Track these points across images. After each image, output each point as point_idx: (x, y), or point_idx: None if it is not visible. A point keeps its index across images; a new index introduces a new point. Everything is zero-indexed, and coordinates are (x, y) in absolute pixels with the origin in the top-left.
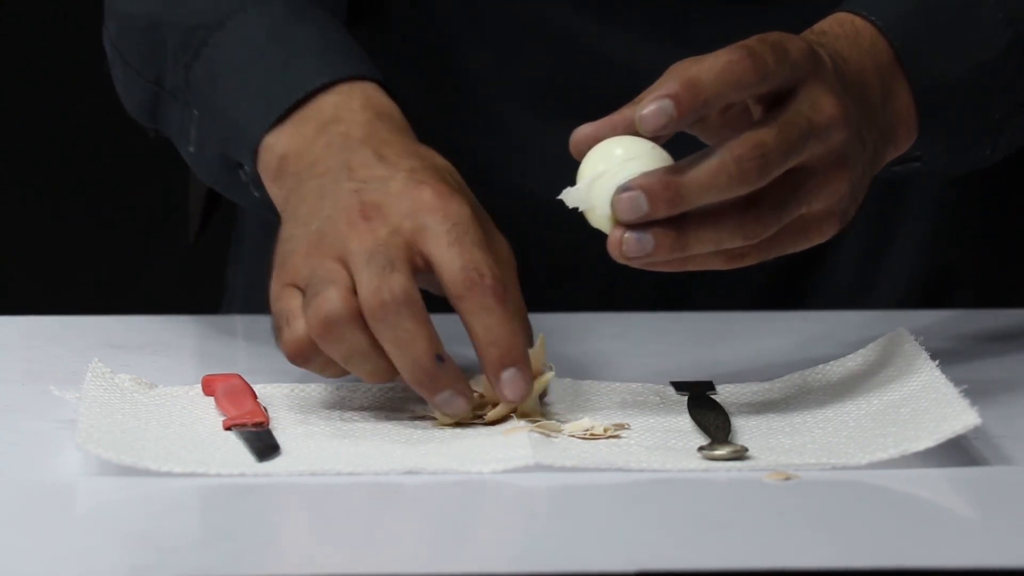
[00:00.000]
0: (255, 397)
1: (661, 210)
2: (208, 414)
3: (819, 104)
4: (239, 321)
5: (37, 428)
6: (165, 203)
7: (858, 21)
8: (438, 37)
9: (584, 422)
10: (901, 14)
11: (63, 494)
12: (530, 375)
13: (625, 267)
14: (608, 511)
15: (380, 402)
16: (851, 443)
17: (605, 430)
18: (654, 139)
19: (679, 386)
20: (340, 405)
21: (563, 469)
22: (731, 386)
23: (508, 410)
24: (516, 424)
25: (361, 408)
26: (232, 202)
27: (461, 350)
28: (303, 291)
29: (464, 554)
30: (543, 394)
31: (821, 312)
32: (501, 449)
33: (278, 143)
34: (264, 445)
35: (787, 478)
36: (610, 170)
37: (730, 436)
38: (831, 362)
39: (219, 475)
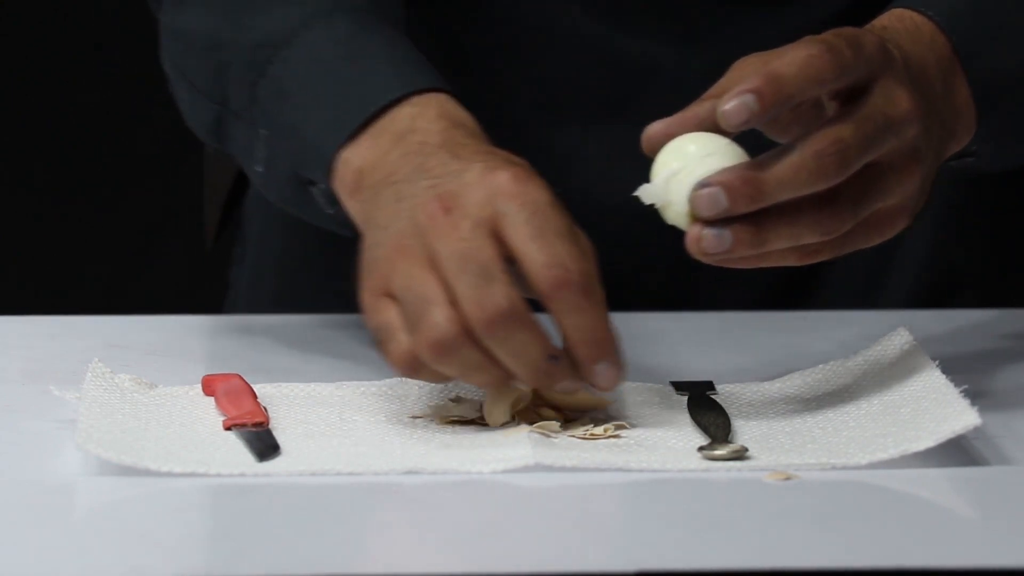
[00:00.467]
0: (255, 397)
1: (741, 206)
2: (208, 414)
3: (894, 99)
4: (239, 321)
5: (37, 428)
6: (166, 203)
7: (917, 17)
8: (453, 41)
9: (584, 422)
10: (957, 11)
11: (63, 494)
12: (621, 364)
13: (627, 268)
14: (608, 511)
15: (380, 402)
16: (851, 443)
17: (605, 430)
18: (726, 135)
19: (679, 386)
20: (340, 405)
21: (563, 469)
22: (731, 386)
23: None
24: (516, 424)
25: (361, 408)
26: (237, 204)
27: None
28: (396, 299)
29: (464, 554)
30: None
31: (821, 312)
32: (501, 449)
33: (354, 157)
34: (264, 445)
35: (787, 478)
36: (687, 167)
37: (730, 436)
38: (831, 362)
39: (219, 475)
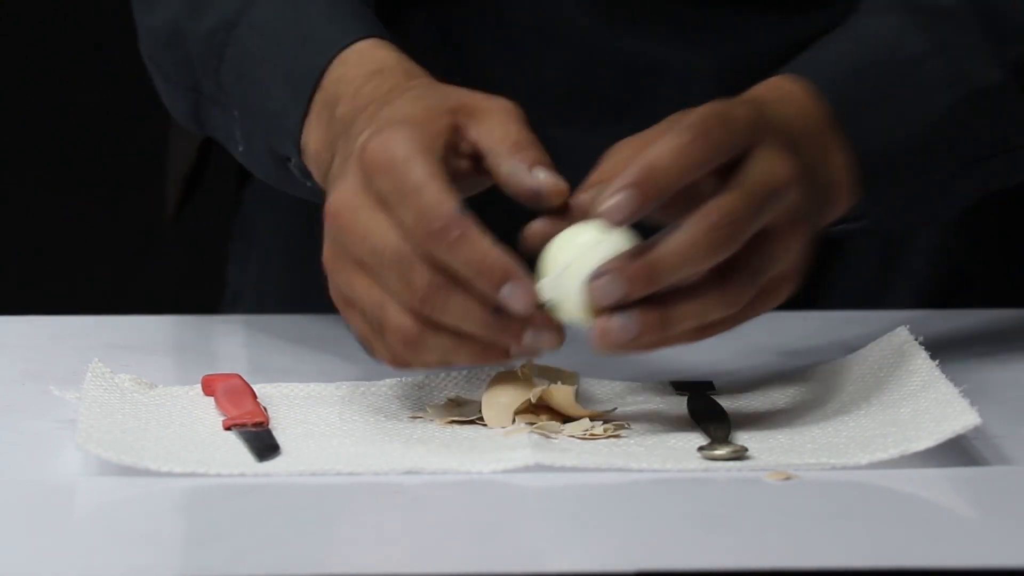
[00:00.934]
0: (255, 397)
1: (638, 290)
2: (208, 414)
3: (774, 165)
4: (240, 321)
5: (37, 428)
6: (165, 203)
7: (792, 84)
8: (456, 42)
9: (584, 422)
10: (837, 76)
11: (63, 494)
12: (524, 281)
13: None
14: (608, 511)
15: (380, 402)
16: (851, 443)
17: (605, 430)
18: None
19: (679, 386)
20: (340, 405)
21: (563, 469)
22: (731, 386)
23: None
24: (516, 425)
25: (361, 408)
26: (226, 196)
27: None
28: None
29: (464, 554)
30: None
31: (821, 312)
32: (501, 449)
33: (309, 139)
34: (264, 445)
35: (787, 478)
36: (578, 258)
37: (730, 436)
38: (831, 362)
39: (219, 475)
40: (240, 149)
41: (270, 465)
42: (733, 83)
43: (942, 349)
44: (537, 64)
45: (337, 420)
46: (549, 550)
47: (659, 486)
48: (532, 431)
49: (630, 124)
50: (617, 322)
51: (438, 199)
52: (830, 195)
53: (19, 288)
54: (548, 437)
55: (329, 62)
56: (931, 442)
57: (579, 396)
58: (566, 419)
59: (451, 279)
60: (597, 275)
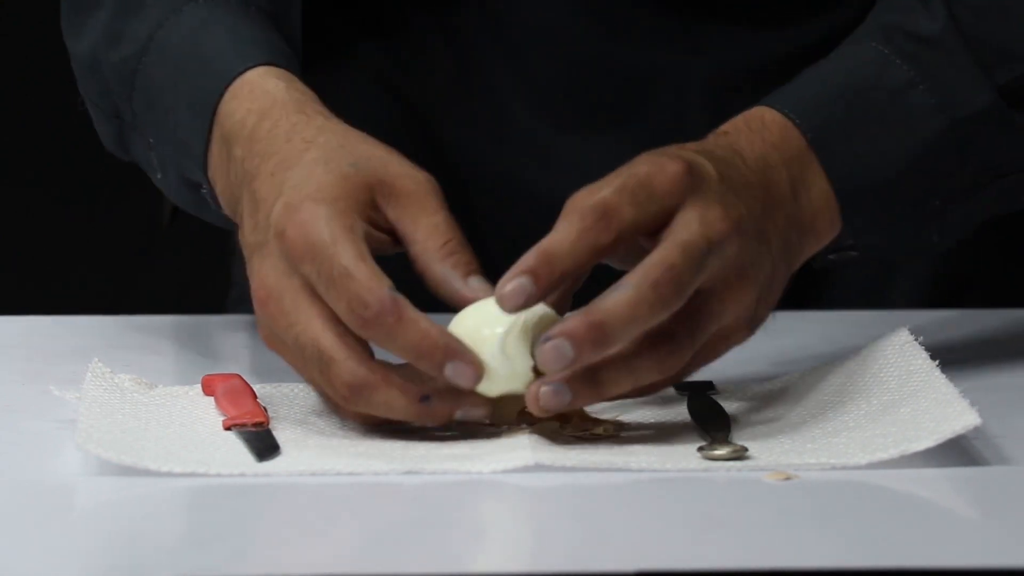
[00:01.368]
0: (255, 397)
1: (587, 354)
2: (208, 414)
3: (706, 220)
4: (240, 321)
5: (37, 428)
6: (165, 203)
7: (768, 115)
8: (457, 47)
9: (584, 422)
10: (818, 104)
11: (63, 494)
12: (468, 357)
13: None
14: (608, 511)
15: None
16: (851, 443)
17: (605, 430)
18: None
19: (679, 386)
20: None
21: (563, 469)
22: (731, 386)
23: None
24: (518, 426)
25: None
26: None
27: None
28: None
29: (464, 554)
30: None
31: (821, 312)
32: (501, 449)
33: (213, 177)
34: (264, 445)
35: (787, 478)
36: (515, 325)
37: (730, 436)
38: (831, 362)
39: (219, 475)
40: (158, 176)
41: (270, 465)
42: (727, 92)
43: (942, 349)
44: (535, 70)
45: (337, 420)
46: (549, 550)
47: (659, 486)
48: (532, 431)
49: (627, 131)
50: (550, 389)
51: (368, 286)
52: (812, 224)
53: (19, 288)
54: (548, 437)
55: (221, 94)
56: (931, 442)
57: None
58: (565, 420)
59: (376, 375)
60: (545, 340)
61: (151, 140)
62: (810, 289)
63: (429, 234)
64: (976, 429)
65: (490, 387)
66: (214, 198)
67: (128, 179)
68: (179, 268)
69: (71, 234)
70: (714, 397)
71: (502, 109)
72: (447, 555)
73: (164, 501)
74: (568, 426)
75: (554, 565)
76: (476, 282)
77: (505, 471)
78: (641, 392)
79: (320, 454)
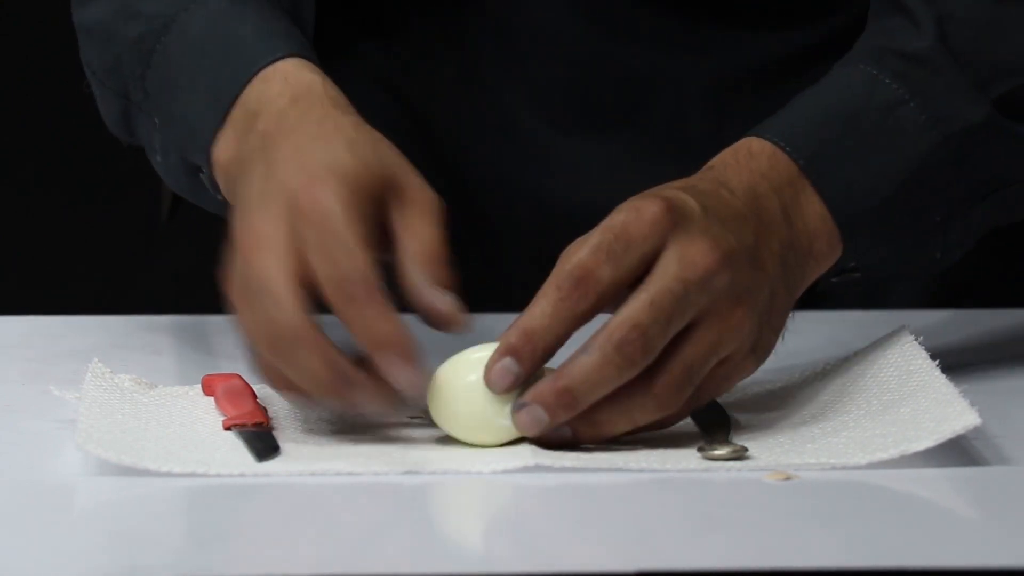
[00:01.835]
0: (255, 397)
1: (561, 417)
2: (208, 414)
3: (688, 259)
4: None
5: (37, 428)
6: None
7: (755, 145)
8: (459, 47)
9: None
10: (806, 130)
11: (63, 494)
12: (413, 360)
13: None
14: (608, 511)
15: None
16: (851, 443)
17: None
18: None
19: None
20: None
21: (563, 469)
22: None
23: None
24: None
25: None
26: None
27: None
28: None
29: (464, 554)
30: None
31: (821, 312)
32: (501, 450)
33: (219, 152)
34: (264, 445)
35: (787, 478)
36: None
37: (730, 436)
38: (831, 362)
39: (219, 475)
40: (158, 159)
41: (270, 465)
42: (728, 93)
43: (942, 349)
44: (536, 71)
45: (337, 420)
46: (549, 550)
47: (659, 486)
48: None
49: (628, 133)
50: (551, 431)
51: (362, 266)
52: (811, 247)
53: (19, 288)
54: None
55: (251, 77)
56: (931, 442)
57: None
58: None
59: (308, 334)
60: (519, 407)
61: (157, 121)
62: (810, 289)
63: (421, 243)
64: (976, 429)
65: (490, 436)
66: (213, 182)
67: (128, 179)
68: (179, 268)
69: (71, 234)
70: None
71: (504, 111)
72: (447, 555)
73: (164, 501)
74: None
75: (554, 565)
76: (451, 299)
77: (505, 471)
78: (651, 427)
79: (319, 454)
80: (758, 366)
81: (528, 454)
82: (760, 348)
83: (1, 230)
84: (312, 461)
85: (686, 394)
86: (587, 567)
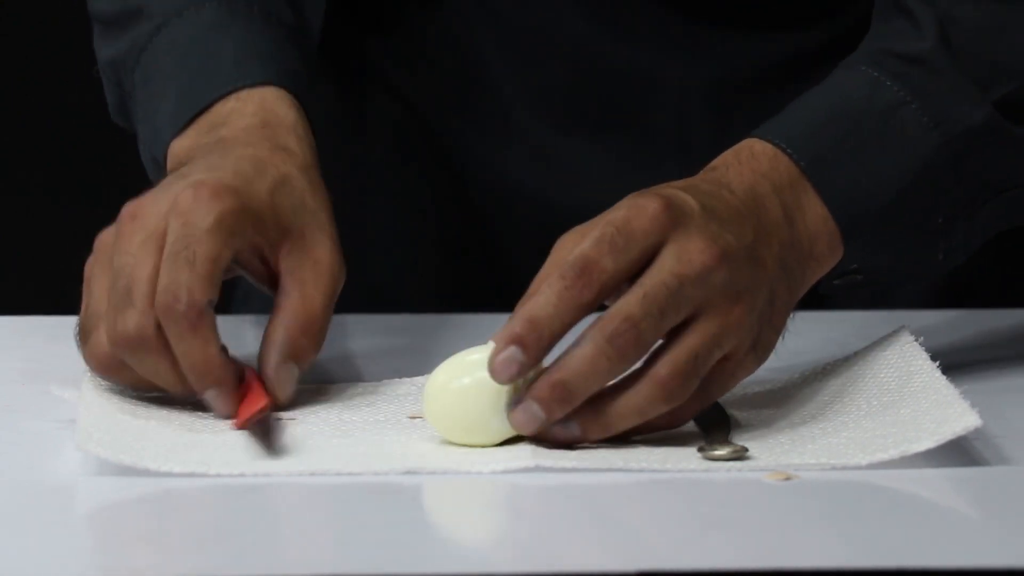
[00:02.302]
0: (257, 380)
1: (557, 412)
2: (208, 413)
3: (686, 255)
4: (240, 321)
5: (37, 428)
6: None
7: (757, 146)
8: (459, 48)
9: None
10: (808, 131)
11: (63, 494)
12: (229, 392)
13: None
14: (608, 511)
15: (380, 402)
16: (851, 443)
17: None
18: None
19: None
20: (340, 405)
21: (563, 470)
22: None
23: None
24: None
25: (361, 408)
26: None
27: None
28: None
29: (464, 554)
30: None
31: (821, 312)
32: (501, 450)
33: (176, 145)
34: (273, 439)
35: (787, 478)
36: (473, 379)
37: (730, 436)
38: (831, 362)
39: (219, 475)
40: (141, 149)
41: (270, 465)
42: (729, 94)
43: (942, 349)
44: (537, 71)
45: (337, 420)
46: (549, 550)
47: (659, 486)
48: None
49: (629, 133)
50: (559, 427)
51: (197, 286)
52: (811, 249)
53: (19, 288)
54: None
55: (226, 94)
56: (931, 443)
57: None
58: None
59: (156, 340)
60: (515, 404)
61: (139, 114)
62: (812, 291)
63: (303, 301)
64: (976, 429)
65: (486, 438)
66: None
67: (128, 179)
68: None
69: (71, 234)
70: None
71: (505, 111)
72: (447, 555)
73: (164, 501)
74: None
75: (554, 565)
76: (290, 372)
77: (505, 471)
78: (660, 425)
79: (320, 454)
80: (759, 365)
81: (528, 454)
82: (761, 347)
83: (1, 230)
84: (312, 461)
85: (692, 385)
86: (587, 567)
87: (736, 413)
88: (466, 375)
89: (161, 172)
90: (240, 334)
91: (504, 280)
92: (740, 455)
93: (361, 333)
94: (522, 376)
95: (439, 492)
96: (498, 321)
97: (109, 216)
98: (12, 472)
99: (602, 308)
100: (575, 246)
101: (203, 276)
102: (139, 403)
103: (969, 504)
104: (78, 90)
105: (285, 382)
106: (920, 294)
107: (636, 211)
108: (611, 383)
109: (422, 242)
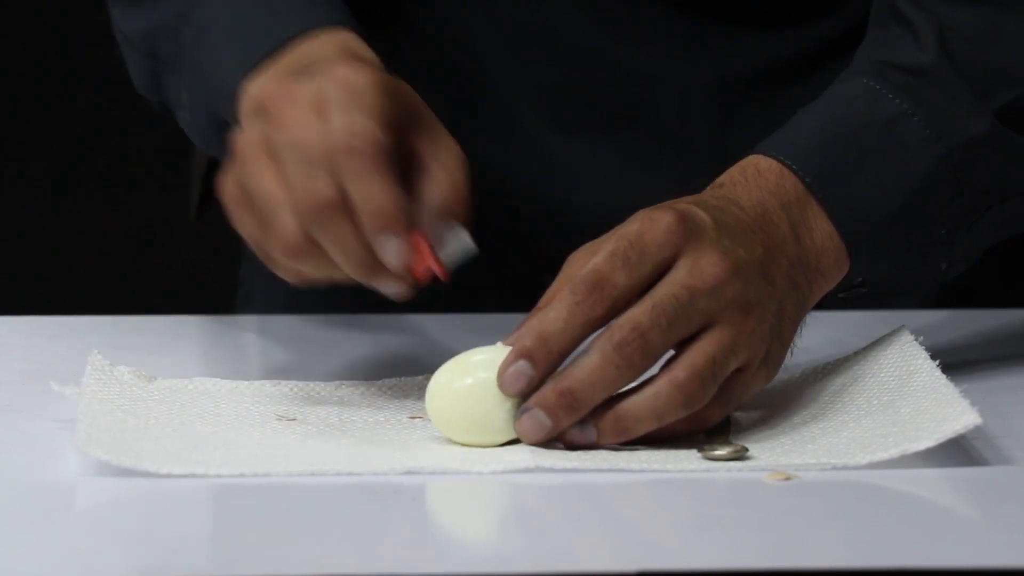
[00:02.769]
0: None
1: (564, 421)
2: (207, 411)
3: (699, 268)
4: (240, 321)
5: (37, 428)
6: (165, 203)
7: (763, 163)
8: (460, 46)
9: None
10: (812, 146)
11: (63, 494)
12: (404, 241)
13: None
14: (608, 511)
15: (380, 402)
16: (851, 443)
17: None
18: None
19: None
20: (340, 405)
21: (563, 470)
22: None
23: None
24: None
25: (361, 408)
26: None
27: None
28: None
29: (464, 554)
30: None
31: (822, 312)
32: (501, 451)
33: (253, 87)
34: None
35: (787, 478)
36: (477, 380)
37: (730, 436)
38: (831, 362)
39: (219, 475)
40: (187, 117)
41: (270, 465)
42: (731, 94)
43: (942, 349)
44: (539, 72)
45: (337, 420)
46: (549, 550)
47: (659, 486)
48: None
49: (631, 133)
50: (576, 430)
51: (376, 127)
52: (818, 264)
53: (19, 288)
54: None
55: (299, 34)
56: (931, 442)
57: None
58: None
59: (351, 207)
60: (522, 412)
61: (188, 76)
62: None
63: (449, 174)
64: (976, 429)
65: (488, 439)
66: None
67: (128, 180)
68: (180, 268)
69: (71, 234)
70: None
71: (506, 111)
72: (447, 555)
73: (164, 501)
74: None
75: (554, 565)
76: (461, 231)
77: (506, 472)
78: (677, 432)
79: (320, 454)
80: (770, 380)
81: (528, 455)
82: (771, 361)
83: (1, 230)
84: (312, 461)
85: (710, 390)
86: (587, 567)
87: (736, 413)
88: (469, 375)
89: (216, 130)
90: (241, 334)
91: (504, 280)
92: (740, 455)
93: (361, 333)
94: (530, 390)
95: (439, 492)
96: (499, 321)
97: (109, 216)
98: (12, 472)
99: None
100: (588, 260)
101: (377, 120)
102: (138, 399)
103: (969, 504)
104: (80, 89)
105: (451, 240)
106: (920, 294)
107: (649, 224)
108: (628, 388)
109: None
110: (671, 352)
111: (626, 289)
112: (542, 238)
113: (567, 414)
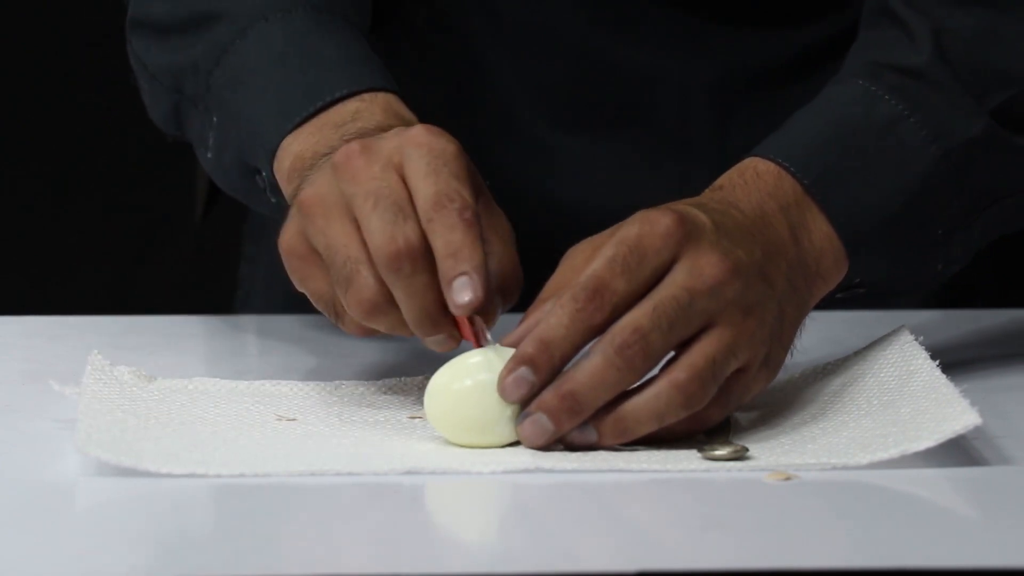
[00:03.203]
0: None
1: (566, 424)
2: (207, 411)
3: (698, 269)
4: (240, 321)
5: (37, 428)
6: (165, 203)
7: (761, 165)
8: (460, 46)
9: None
10: (810, 149)
11: (63, 494)
12: (480, 284)
13: None
14: (608, 511)
15: (380, 402)
16: (851, 443)
17: None
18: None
19: None
20: (340, 405)
21: (563, 471)
22: None
23: None
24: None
25: (361, 408)
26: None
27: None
28: (320, 257)
29: (464, 554)
30: None
31: (822, 312)
32: (501, 451)
33: (294, 143)
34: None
35: (787, 478)
36: (474, 381)
37: (730, 436)
38: (831, 362)
39: (219, 475)
40: (209, 156)
41: (270, 465)
42: (732, 93)
43: (942, 349)
44: (539, 71)
45: (337, 420)
46: (549, 550)
47: (659, 486)
48: None
49: (631, 132)
50: (576, 433)
51: (467, 189)
52: (818, 265)
53: (19, 288)
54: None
55: (343, 98)
56: (931, 442)
57: None
58: None
59: (430, 258)
60: (524, 417)
61: (215, 118)
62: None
63: (504, 245)
64: (976, 429)
65: (487, 440)
66: (271, 183)
67: (128, 180)
68: (180, 268)
69: (71, 234)
70: None
71: (506, 111)
72: (447, 555)
73: (164, 501)
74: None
75: (555, 565)
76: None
77: (505, 472)
78: (678, 433)
79: (320, 454)
80: (769, 382)
81: (528, 456)
82: (771, 363)
83: (1, 230)
84: (312, 461)
85: (711, 390)
86: (588, 567)
87: (736, 413)
88: (468, 377)
89: (248, 177)
90: (241, 334)
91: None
92: (740, 455)
93: None
94: (531, 396)
95: (439, 492)
96: (499, 321)
97: (109, 216)
98: (12, 472)
99: None
100: (586, 262)
101: (465, 184)
102: (138, 399)
103: (969, 504)
104: (79, 90)
105: (495, 311)
106: (920, 294)
107: (649, 227)
108: (628, 389)
109: None
110: (671, 353)
111: (626, 296)
112: (542, 238)
113: (569, 417)
